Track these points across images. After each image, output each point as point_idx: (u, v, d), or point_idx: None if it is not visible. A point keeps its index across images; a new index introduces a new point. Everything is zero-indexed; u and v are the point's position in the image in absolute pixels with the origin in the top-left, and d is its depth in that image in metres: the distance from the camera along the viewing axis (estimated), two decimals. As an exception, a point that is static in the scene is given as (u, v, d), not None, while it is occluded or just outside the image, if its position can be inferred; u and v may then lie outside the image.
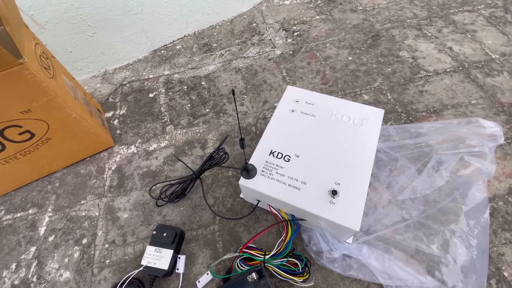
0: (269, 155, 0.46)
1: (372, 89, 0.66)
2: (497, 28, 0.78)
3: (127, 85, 0.74)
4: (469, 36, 0.76)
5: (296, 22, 0.85)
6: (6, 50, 0.37)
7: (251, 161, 0.45)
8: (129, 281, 0.42)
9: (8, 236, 0.51)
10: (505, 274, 0.42)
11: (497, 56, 0.71)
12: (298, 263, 0.42)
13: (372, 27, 0.80)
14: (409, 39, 0.76)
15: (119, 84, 0.74)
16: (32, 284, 0.46)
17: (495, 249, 0.44)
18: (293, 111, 0.51)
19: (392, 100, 0.63)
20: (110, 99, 0.71)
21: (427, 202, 0.46)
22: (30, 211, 0.54)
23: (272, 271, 0.42)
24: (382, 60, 0.71)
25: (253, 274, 0.38)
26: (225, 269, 0.44)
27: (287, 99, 0.53)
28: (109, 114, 0.68)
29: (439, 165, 0.46)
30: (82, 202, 0.54)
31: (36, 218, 0.53)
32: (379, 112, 0.49)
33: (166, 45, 0.83)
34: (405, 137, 0.53)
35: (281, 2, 0.92)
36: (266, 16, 0.88)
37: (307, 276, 0.42)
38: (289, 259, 0.42)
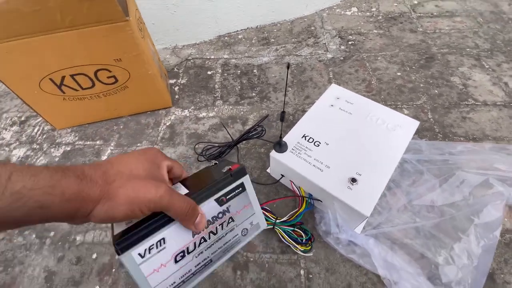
0: (302, 138, 0.51)
1: (414, 105, 0.68)
2: None
3: (191, 60, 0.85)
4: (531, 75, 0.73)
5: (353, 32, 0.89)
6: (119, 7, 0.48)
7: (285, 139, 0.51)
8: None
9: (77, 157, 0.64)
10: (508, 303, 0.43)
11: (559, 100, 0.68)
12: (303, 235, 0.47)
13: (428, 49, 0.81)
14: (464, 66, 0.76)
15: (184, 58, 0.86)
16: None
17: (502, 276, 0.45)
18: (332, 105, 0.56)
19: (431, 119, 0.64)
20: (175, 69, 0.82)
21: (442, 213, 0.48)
22: (98, 142, 0.66)
23: (280, 234, 0.47)
24: (431, 81, 0.73)
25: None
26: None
27: (329, 95, 0.58)
28: (172, 81, 0.79)
29: (461, 181, 0.47)
30: (138, 144, 0.65)
31: (101, 148, 0.65)
32: (414, 123, 0.52)
33: (230, 33, 0.93)
34: (435, 153, 0.55)
35: (342, 12, 0.97)
36: (325, 22, 0.93)
37: (309, 247, 0.46)
38: (296, 229, 0.47)
